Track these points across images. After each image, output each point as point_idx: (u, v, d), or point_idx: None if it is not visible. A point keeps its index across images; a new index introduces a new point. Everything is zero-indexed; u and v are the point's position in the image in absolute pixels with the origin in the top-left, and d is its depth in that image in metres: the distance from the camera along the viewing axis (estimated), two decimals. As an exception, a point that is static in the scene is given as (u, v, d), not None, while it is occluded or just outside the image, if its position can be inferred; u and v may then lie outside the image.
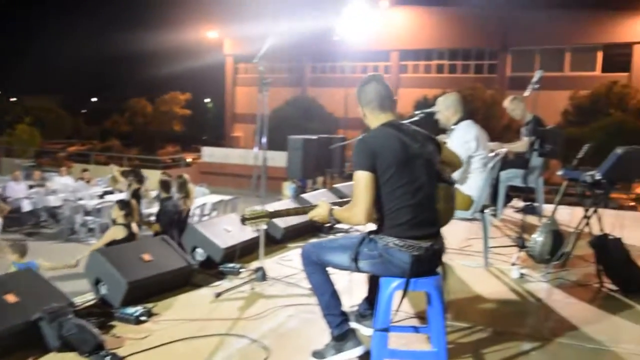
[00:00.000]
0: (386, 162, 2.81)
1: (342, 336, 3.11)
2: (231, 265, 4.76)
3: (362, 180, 2.81)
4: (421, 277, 2.87)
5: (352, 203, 2.87)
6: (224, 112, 44.17)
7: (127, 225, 6.59)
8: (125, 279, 3.96)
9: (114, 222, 6.74)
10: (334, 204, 3.20)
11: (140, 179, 9.77)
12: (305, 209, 3.17)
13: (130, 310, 3.82)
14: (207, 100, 58.93)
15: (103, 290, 4.06)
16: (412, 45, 34.63)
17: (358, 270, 2.99)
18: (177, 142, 47.72)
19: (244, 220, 3.17)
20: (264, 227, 3.23)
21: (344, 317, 3.14)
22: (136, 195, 9.59)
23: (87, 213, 13.22)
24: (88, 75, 60.13)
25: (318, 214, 3.11)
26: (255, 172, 4.54)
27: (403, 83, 34.08)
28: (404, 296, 2.87)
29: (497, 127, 25.41)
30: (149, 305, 3.99)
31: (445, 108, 4.99)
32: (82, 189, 15.41)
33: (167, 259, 4.40)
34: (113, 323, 3.76)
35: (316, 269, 3.11)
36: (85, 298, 4.16)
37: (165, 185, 8.71)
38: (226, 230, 5.16)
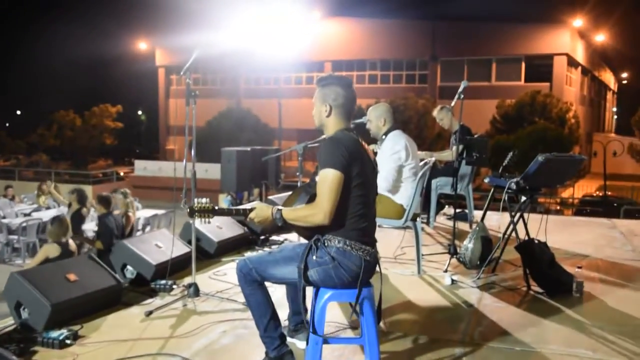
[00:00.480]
0: (358, 169, 2.80)
1: (280, 358, 3.03)
2: (163, 282, 4.62)
3: (333, 179, 2.73)
4: (355, 288, 2.86)
5: (315, 202, 2.77)
6: (157, 124, 43.37)
7: (62, 243, 6.37)
8: (48, 302, 3.77)
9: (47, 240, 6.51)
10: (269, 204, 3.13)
11: (82, 199, 9.59)
12: (245, 211, 3.07)
13: (54, 334, 3.63)
14: (139, 112, 57.75)
15: (24, 314, 3.85)
16: (345, 56, 35.08)
17: (306, 280, 2.88)
18: (109, 156, 46.50)
19: (192, 212, 3.00)
20: (209, 221, 3.08)
21: (283, 339, 3.06)
22: (79, 215, 9.44)
23: (12, 232, 12.53)
24: (11, 87, 57.70)
25: (258, 215, 2.96)
26: (185, 185, 4.43)
27: (337, 93, 34.39)
28: (356, 304, 2.84)
29: (429, 136, 26.07)
30: (75, 327, 3.81)
31: (376, 118, 5.04)
32: (6, 207, 14.79)
33: (94, 278, 4.22)
34: (35, 349, 3.56)
35: (256, 288, 3.00)
36: (5, 323, 3.95)
37: (103, 201, 8.46)
38: (157, 246, 5.01)
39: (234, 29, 29.93)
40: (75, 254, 6.56)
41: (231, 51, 31.53)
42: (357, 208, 2.83)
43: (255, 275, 2.99)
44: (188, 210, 3.04)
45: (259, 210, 2.97)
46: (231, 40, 29.89)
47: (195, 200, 3.02)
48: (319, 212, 2.74)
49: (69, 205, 9.99)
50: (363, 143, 2.95)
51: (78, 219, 9.38)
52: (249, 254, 5.76)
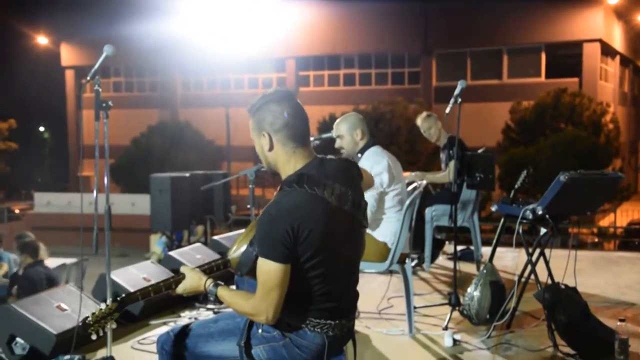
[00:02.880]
0: (313, 247, 2.68)
1: None
2: (67, 357, 4.55)
3: (274, 275, 2.65)
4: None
5: (256, 297, 2.72)
6: (66, 144, 43.02)
7: None
8: None
9: None
10: (203, 267, 3.11)
11: None
12: (169, 284, 3.02)
13: None
14: (41, 128, 57.32)
15: None
16: (313, 51, 35.32)
17: (250, 359, 2.89)
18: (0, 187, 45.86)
19: (87, 328, 2.89)
20: (114, 326, 3.02)
21: None
22: None
23: None
24: None
25: (187, 289, 2.97)
26: (97, 225, 4.38)
27: (303, 99, 33.91)
28: None
29: (425, 151, 26.27)
30: None
31: (350, 131, 5.09)
32: None
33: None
34: None
35: None
36: None
37: (28, 248, 8.42)
38: (60, 308, 4.96)
39: (167, 17, 29.99)
40: None
41: (164, 46, 31.60)
42: (317, 288, 2.76)
43: (183, 352, 2.97)
44: (81, 325, 2.94)
45: (189, 281, 2.97)
46: (164, 32, 29.93)
47: (92, 311, 2.93)
48: (259, 314, 2.72)
49: None
50: (331, 184, 2.77)
51: None
52: (185, 315, 5.74)
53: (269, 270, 2.66)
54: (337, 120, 5.18)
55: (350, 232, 2.88)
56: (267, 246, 2.66)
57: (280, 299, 2.68)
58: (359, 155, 5.07)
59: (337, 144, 5.14)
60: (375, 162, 4.96)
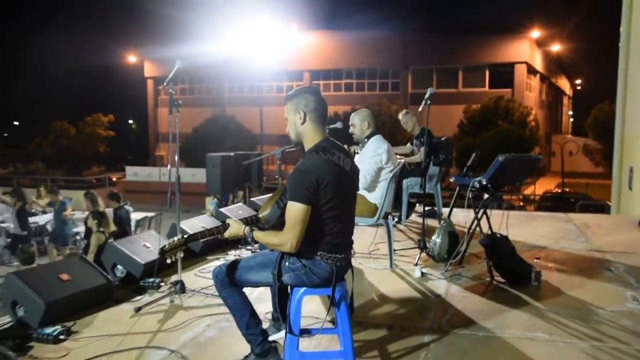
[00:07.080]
0: (329, 194, 2.72)
1: (265, 353, 3.02)
2: (151, 279, 4.60)
3: (299, 213, 2.68)
4: (327, 287, 2.86)
5: (284, 231, 2.73)
6: (147, 132, 43.09)
7: (104, 232, 7.32)
8: (42, 300, 3.74)
9: (91, 232, 7.48)
10: (245, 220, 3.13)
11: (21, 198, 10.65)
12: (219, 230, 3.06)
13: (49, 330, 3.60)
14: (130, 121, 57.28)
15: (20, 312, 3.81)
16: (323, 66, 35.15)
17: (281, 284, 2.90)
18: (102, 163, 45.99)
19: (163, 254, 2.98)
20: (181, 255, 3.06)
21: (265, 335, 3.04)
22: (23, 211, 10.46)
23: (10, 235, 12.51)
24: (7, 99, 56.62)
25: (231, 233, 2.98)
26: (170, 189, 4.42)
27: (315, 101, 34.57)
28: (331, 304, 2.85)
29: (402, 139, 26.10)
30: (68, 324, 3.78)
31: (360, 121, 5.11)
32: (4, 212, 14.52)
33: (85, 277, 4.18)
34: (31, 344, 3.53)
35: (233, 291, 2.99)
36: (2, 321, 3.89)
37: (115, 197, 9.25)
38: (145, 246, 4.99)
39: (218, 41, 29.83)
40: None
41: (216, 62, 31.45)
42: (330, 227, 2.79)
43: (232, 280, 2.97)
44: (160, 252, 3.01)
45: (232, 229, 2.98)
46: (215, 52, 29.79)
47: (167, 242, 3.00)
48: (285, 244, 2.73)
49: (15, 204, 10.74)
50: (338, 154, 2.85)
51: (25, 215, 10.55)
52: (232, 253, 5.79)
53: (295, 209, 2.70)
54: (353, 113, 5.20)
55: (350, 188, 2.92)
56: (296, 191, 2.70)
57: (301, 232, 2.71)
58: (366, 140, 5.09)
59: (350, 130, 5.17)
60: (378, 146, 4.98)
